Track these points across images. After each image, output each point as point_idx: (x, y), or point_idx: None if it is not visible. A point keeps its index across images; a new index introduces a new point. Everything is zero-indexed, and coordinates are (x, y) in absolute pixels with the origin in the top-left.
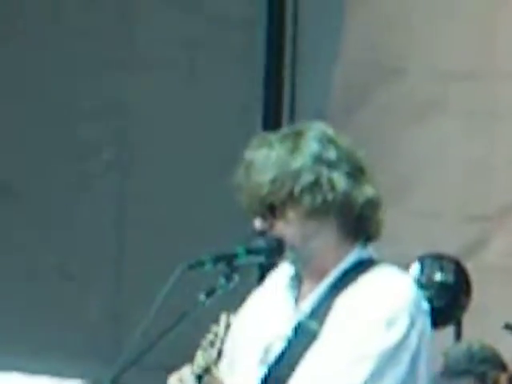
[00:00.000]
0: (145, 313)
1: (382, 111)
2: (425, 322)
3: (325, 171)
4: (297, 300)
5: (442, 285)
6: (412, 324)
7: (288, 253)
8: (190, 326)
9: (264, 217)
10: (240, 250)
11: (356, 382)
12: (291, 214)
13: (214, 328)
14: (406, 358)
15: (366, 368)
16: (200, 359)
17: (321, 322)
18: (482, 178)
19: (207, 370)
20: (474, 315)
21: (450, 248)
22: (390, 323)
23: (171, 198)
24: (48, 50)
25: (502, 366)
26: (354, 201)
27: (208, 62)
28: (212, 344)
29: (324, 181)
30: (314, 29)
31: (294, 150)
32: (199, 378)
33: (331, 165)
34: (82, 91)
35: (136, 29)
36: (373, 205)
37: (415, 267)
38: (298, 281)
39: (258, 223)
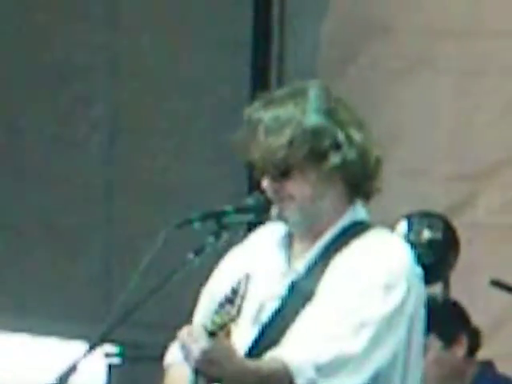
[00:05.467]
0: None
1: (370, 67)
2: (420, 286)
3: (340, 129)
4: (289, 260)
5: (431, 242)
6: (409, 289)
7: (294, 213)
8: (180, 285)
9: (274, 178)
10: (229, 208)
11: (356, 348)
12: (305, 175)
13: (233, 285)
14: (403, 323)
15: (366, 335)
16: (215, 316)
17: (315, 283)
18: (470, 135)
19: (222, 328)
20: (462, 273)
21: (437, 206)
22: (389, 288)
23: (160, 158)
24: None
25: (465, 324)
26: (370, 157)
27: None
28: (230, 301)
29: (342, 140)
30: None
31: (304, 108)
32: (212, 334)
33: (344, 123)
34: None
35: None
36: (380, 161)
37: (403, 225)
38: (289, 240)
39: (265, 183)
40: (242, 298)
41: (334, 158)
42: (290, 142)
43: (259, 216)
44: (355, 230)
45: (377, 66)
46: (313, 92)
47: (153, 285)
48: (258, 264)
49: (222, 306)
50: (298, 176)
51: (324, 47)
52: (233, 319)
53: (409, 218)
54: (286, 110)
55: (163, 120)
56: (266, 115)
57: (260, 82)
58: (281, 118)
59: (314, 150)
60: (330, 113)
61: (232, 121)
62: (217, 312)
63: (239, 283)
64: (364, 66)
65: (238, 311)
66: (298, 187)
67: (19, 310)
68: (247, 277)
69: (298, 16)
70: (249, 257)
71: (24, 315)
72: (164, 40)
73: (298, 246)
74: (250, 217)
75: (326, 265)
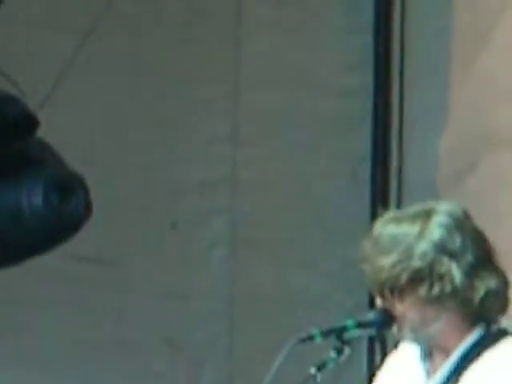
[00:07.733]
0: None
1: (491, 180)
2: None
3: (446, 262)
4: (429, 372)
5: None
6: None
7: (408, 333)
8: None
9: (384, 297)
10: (349, 322)
11: None
12: (408, 300)
13: None
14: None
15: None
16: None
17: None
18: None
19: None
20: None
21: None
22: None
23: (283, 269)
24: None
25: None
26: (475, 293)
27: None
28: None
29: (443, 272)
30: (420, 97)
31: (419, 235)
32: None
33: (453, 255)
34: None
35: None
36: (495, 295)
37: None
38: (428, 353)
39: (379, 301)
40: None
41: (432, 289)
42: (393, 267)
43: (380, 331)
44: (485, 342)
45: (497, 178)
46: (436, 218)
47: None
48: (398, 377)
49: None
50: (401, 300)
51: (443, 158)
52: None
53: None
54: (403, 232)
55: (283, 232)
56: (384, 232)
57: (380, 194)
58: (395, 240)
59: (413, 278)
60: (441, 243)
61: (351, 234)
62: None
63: None
64: (484, 177)
65: None
66: (404, 309)
67: None
68: None
69: (417, 126)
70: (392, 371)
71: None
72: (281, 153)
73: (437, 358)
74: (371, 331)
75: (457, 381)
